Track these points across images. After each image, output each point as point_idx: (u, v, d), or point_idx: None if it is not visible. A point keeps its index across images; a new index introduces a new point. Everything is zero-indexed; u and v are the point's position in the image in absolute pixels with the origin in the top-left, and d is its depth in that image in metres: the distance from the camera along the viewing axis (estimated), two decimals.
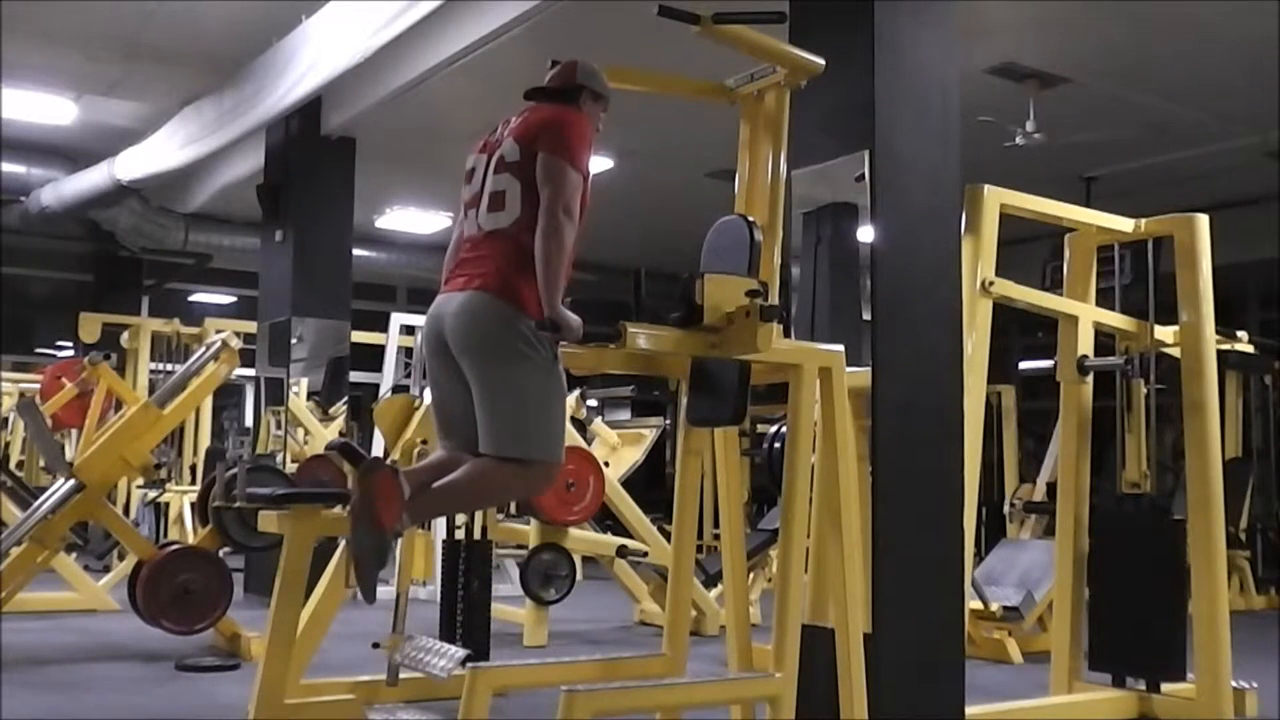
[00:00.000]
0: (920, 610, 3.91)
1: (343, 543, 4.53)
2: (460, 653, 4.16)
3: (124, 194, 10.43)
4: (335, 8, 6.87)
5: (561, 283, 3.13)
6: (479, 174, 3.45)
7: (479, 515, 5.18)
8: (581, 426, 8.39)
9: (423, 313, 3.52)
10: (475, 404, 3.28)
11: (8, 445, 11.17)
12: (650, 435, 8.84)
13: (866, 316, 3.94)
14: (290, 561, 4.37)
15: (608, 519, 7.91)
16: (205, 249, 12.14)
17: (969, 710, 4.07)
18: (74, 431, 9.08)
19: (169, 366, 10.31)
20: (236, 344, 6.82)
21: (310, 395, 8.76)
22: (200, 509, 6.34)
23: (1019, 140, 8.13)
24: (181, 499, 9.59)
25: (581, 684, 3.03)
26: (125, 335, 10.99)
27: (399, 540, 4.11)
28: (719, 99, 3.61)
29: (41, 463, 9.95)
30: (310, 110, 8.24)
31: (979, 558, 7.26)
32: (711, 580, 7.15)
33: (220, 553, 6.12)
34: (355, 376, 9.37)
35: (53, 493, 6.08)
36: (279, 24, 7.31)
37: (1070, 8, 6.80)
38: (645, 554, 7.11)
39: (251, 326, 9.18)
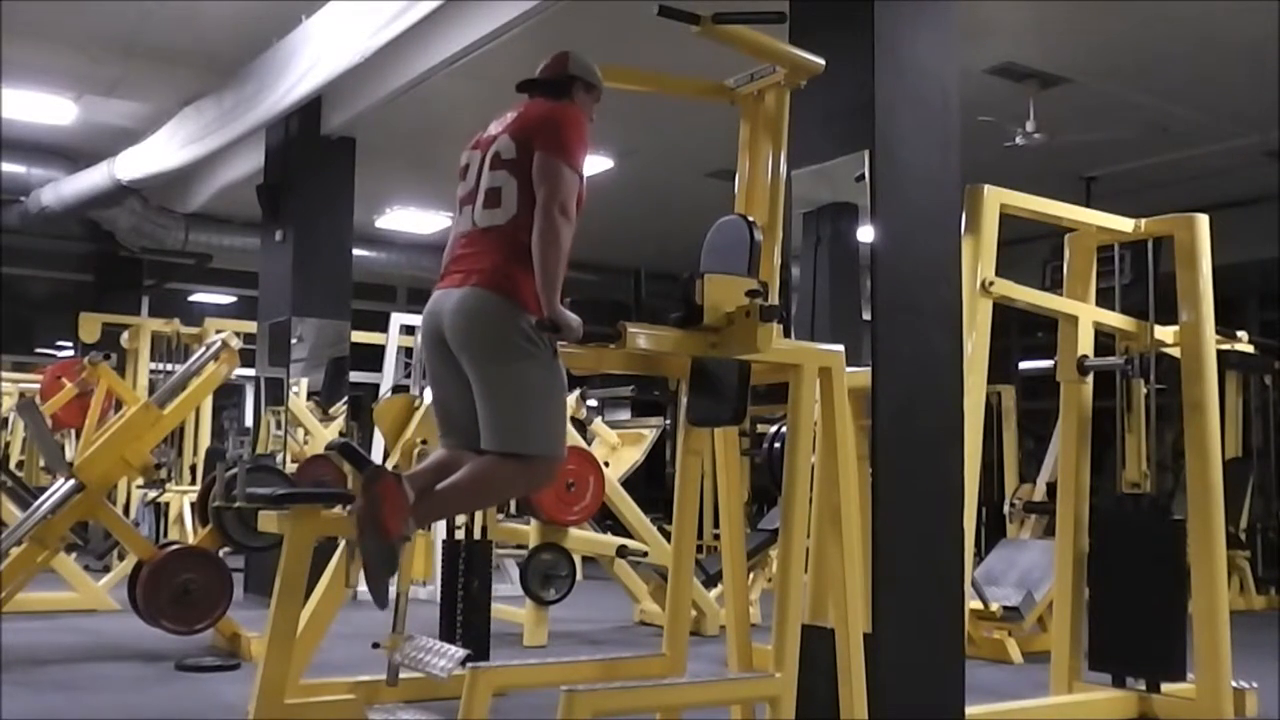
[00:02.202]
0: (920, 610, 3.91)
1: (342, 543, 4.53)
2: (460, 653, 4.15)
3: (124, 194, 10.43)
4: (335, 8, 6.87)
5: (560, 283, 3.13)
6: (474, 170, 3.45)
7: (479, 515, 5.17)
8: (581, 426, 8.39)
9: (422, 313, 3.52)
10: (476, 400, 3.28)
11: (8, 445, 11.16)
12: (650, 435, 8.83)
13: (866, 316, 3.94)
14: (290, 561, 4.37)
15: (608, 519, 7.91)
16: (205, 249, 12.13)
17: (969, 710, 4.07)
18: (74, 431, 9.08)
19: (169, 366, 10.31)
20: (236, 344, 6.82)
21: (310, 395, 8.75)
22: (200, 509, 6.34)
23: (1019, 140, 8.13)
24: (181, 499, 9.59)
25: (581, 684, 3.02)
26: (125, 335, 10.98)
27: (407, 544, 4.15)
28: (719, 99, 3.61)
29: (41, 463, 9.95)
30: (310, 110, 8.24)
31: (979, 558, 7.26)
32: (711, 580, 7.14)
33: (220, 553, 6.12)
34: (355, 376, 9.37)
35: (53, 493, 6.08)
36: (279, 24, 7.31)
37: (1070, 8, 6.80)
38: (645, 554, 7.10)
39: (251, 326, 9.18)
